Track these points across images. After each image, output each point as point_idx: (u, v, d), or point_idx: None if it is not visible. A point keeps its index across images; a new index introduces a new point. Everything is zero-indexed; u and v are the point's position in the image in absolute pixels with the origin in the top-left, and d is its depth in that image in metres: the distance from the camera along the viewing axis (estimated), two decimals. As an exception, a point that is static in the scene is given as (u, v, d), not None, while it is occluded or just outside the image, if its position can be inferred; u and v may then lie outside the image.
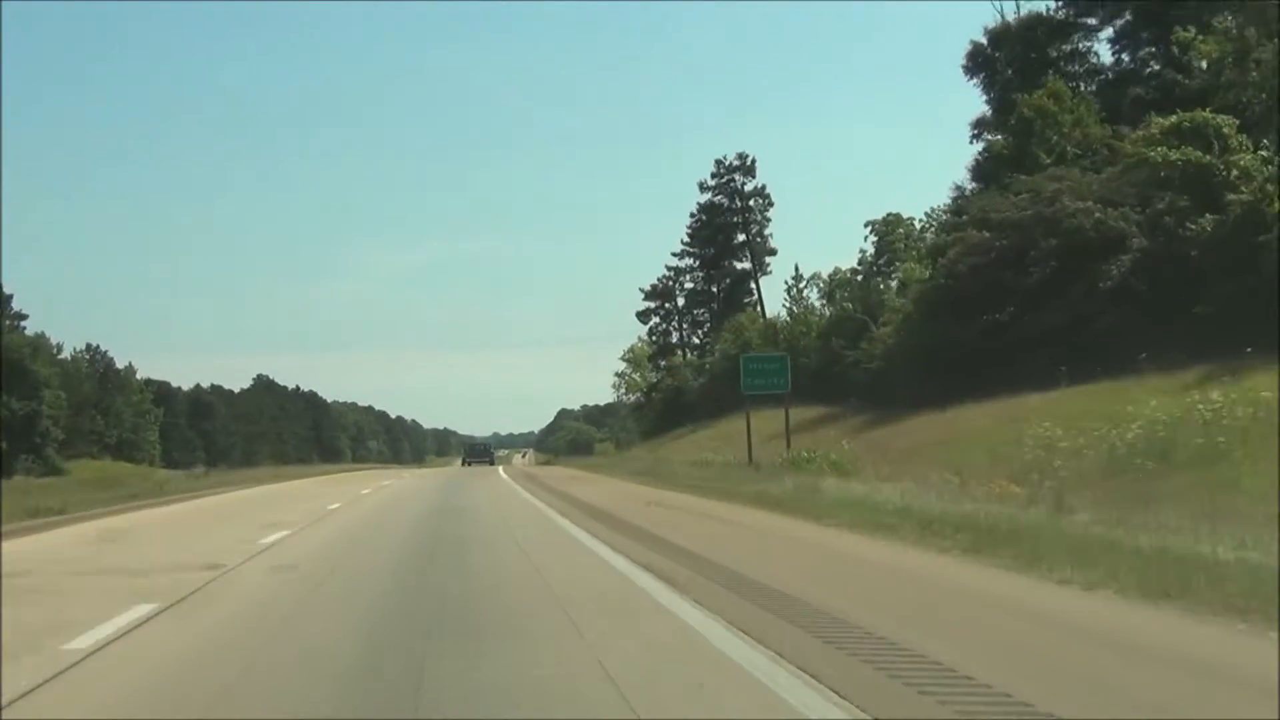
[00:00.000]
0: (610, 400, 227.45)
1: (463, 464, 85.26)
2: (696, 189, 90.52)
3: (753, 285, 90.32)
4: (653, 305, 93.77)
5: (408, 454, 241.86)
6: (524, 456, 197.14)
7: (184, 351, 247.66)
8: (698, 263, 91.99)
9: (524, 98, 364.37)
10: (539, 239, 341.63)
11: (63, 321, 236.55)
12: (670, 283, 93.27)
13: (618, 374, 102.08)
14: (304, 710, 6.35)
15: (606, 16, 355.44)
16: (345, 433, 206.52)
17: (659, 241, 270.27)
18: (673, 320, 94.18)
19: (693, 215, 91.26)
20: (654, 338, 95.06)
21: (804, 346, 63.09)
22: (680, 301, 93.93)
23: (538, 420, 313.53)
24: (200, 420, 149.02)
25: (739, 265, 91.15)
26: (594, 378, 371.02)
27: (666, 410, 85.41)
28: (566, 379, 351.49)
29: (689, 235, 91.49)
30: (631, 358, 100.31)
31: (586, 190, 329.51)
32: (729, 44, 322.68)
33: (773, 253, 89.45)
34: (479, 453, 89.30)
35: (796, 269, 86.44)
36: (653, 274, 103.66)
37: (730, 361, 73.19)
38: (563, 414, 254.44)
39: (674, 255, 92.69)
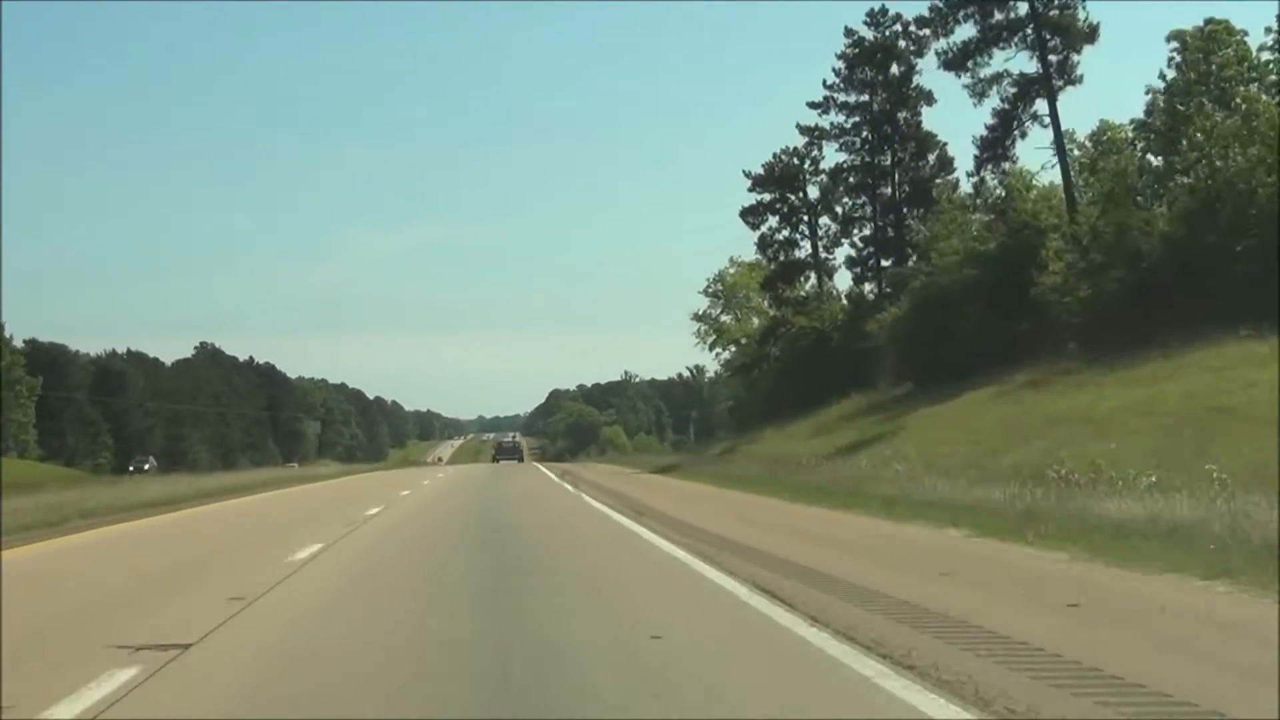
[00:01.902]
0: (616, 379, 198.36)
1: (493, 460, 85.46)
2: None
3: (1035, 112, 42.54)
4: (766, 199, 55.38)
5: (385, 438, 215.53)
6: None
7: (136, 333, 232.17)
8: (853, 120, 52.27)
9: (520, 79, 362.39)
10: (531, 222, 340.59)
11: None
12: (798, 161, 54.60)
13: (696, 316, 65.32)
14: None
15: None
16: (310, 414, 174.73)
17: (658, 227, 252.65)
18: (799, 223, 55.77)
19: (847, 33, 51.58)
20: (769, 252, 56.58)
21: (1242, 222, 27.64)
22: (813, 193, 55.18)
23: (526, 402, 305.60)
24: (107, 396, 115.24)
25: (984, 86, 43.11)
26: (592, 359, 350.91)
27: (793, 372, 50.51)
28: (558, 360, 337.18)
29: (843, 67, 52.05)
30: (722, 290, 63.49)
31: (582, 176, 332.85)
32: None
33: (1090, 36, 40.68)
34: (508, 450, 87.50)
35: (1184, 41, 36.46)
36: (652, 262, 67.30)
37: (996, 261, 36.61)
38: (557, 395, 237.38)
39: (811, 107, 53.30)
